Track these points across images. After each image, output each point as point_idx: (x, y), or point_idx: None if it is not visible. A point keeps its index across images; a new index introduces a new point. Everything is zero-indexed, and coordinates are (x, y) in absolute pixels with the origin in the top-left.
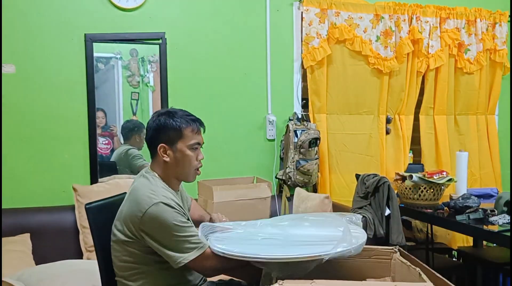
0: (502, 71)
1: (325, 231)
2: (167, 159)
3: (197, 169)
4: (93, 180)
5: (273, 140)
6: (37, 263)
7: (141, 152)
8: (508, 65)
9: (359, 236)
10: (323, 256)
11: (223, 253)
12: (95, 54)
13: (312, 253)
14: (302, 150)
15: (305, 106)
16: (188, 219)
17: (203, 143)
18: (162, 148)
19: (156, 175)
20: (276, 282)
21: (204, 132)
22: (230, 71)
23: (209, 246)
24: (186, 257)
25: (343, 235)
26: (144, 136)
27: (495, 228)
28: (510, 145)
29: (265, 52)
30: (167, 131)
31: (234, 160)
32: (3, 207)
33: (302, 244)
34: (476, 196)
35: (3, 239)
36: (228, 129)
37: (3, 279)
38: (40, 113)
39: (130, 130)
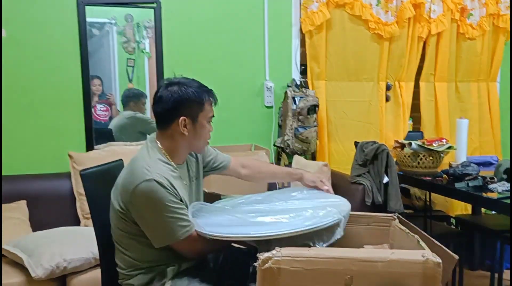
0: (505, 36)
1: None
2: (186, 133)
3: (207, 141)
4: (89, 147)
5: (271, 107)
6: (34, 230)
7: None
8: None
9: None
10: (320, 226)
11: (218, 236)
12: (88, 19)
13: (307, 226)
14: (300, 117)
15: (304, 72)
16: (180, 200)
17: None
18: (183, 121)
19: (160, 146)
20: (273, 248)
21: (215, 104)
22: (227, 36)
23: (195, 230)
24: (170, 239)
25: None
26: (144, 103)
27: (494, 196)
28: (510, 113)
29: (263, 17)
30: (190, 104)
31: (232, 127)
32: None
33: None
34: (475, 163)
35: None
36: (225, 96)
37: None
38: (33, 79)
39: (130, 97)
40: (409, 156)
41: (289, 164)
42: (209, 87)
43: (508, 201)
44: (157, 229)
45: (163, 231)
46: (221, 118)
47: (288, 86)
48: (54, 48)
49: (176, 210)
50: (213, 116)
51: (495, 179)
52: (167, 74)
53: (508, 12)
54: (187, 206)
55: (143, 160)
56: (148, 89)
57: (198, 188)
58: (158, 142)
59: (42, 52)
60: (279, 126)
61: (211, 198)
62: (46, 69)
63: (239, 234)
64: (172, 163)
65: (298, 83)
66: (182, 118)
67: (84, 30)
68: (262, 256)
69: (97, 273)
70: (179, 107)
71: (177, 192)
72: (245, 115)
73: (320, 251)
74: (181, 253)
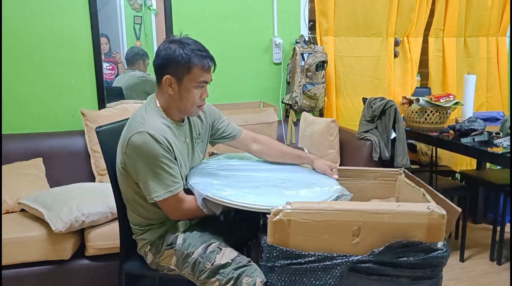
0: None
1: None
2: (171, 92)
3: (200, 106)
4: (101, 105)
5: (280, 63)
6: (51, 186)
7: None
8: None
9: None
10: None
11: (223, 201)
12: None
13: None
14: (309, 73)
15: (312, 28)
16: (175, 157)
17: (211, 81)
18: (168, 80)
19: (158, 103)
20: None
21: (214, 70)
22: None
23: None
24: (158, 195)
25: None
26: (147, 64)
27: (499, 150)
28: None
29: None
30: (176, 64)
31: (240, 84)
32: (14, 132)
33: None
34: (482, 119)
35: (17, 163)
36: (233, 52)
37: (20, 201)
38: (43, 37)
39: (134, 55)
40: (416, 112)
41: (297, 121)
42: (210, 53)
43: None
44: (145, 182)
45: (150, 186)
46: (230, 75)
47: (297, 42)
48: (63, 6)
49: (165, 166)
50: (206, 81)
51: (501, 134)
52: (176, 32)
53: None
54: (181, 164)
55: (140, 115)
56: (156, 46)
57: (201, 149)
58: (156, 99)
59: (50, 9)
60: (287, 83)
61: None
62: (55, 27)
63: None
64: (169, 119)
65: (307, 39)
66: (166, 76)
67: None
68: (273, 208)
69: (113, 226)
70: (166, 65)
71: (172, 149)
72: (254, 72)
73: (328, 204)
74: (165, 212)
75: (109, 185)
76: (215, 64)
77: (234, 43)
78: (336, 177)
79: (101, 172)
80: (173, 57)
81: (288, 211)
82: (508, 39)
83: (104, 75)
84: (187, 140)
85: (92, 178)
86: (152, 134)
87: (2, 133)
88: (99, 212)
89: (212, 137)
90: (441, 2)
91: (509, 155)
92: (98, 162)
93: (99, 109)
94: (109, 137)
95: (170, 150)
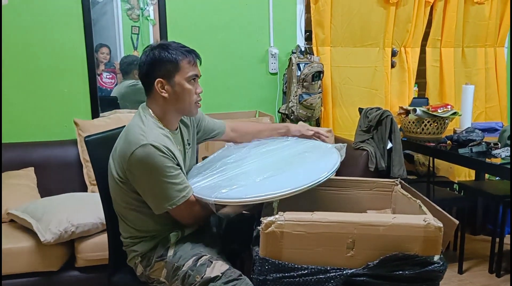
0: None
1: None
2: (166, 95)
3: (197, 103)
4: (94, 114)
5: (276, 73)
6: (42, 196)
7: None
8: None
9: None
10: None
11: (228, 201)
12: None
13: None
14: (305, 83)
15: (308, 38)
16: (177, 165)
17: (200, 75)
18: (160, 83)
19: (152, 113)
20: (277, 213)
21: (200, 64)
22: (231, 2)
23: (196, 196)
24: (171, 203)
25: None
26: None
27: (498, 161)
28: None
29: None
30: (163, 65)
31: (236, 94)
32: (6, 141)
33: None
34: (480, 129)
35: (7, 173)
36: (229, 63)
37: (9, 211)
38: (38, 47)
39: (129, 64)
40: (413, 122)
41: None
42: (202, 51)
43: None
44: (155, 194)
45: (161, 196)
46: (226, 85)
47: (293, 52)
48: (57, 16)
49: (173, 175)
50: (196, 75)
51: (499, 145)
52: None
53: None
54: (183, 170)
55: (138, 126)
56: None
57: (193, 154)
58: (149, 108)
59: (44, 19)
60: (284, 92)
61: None
62: (50, 37)
63: (249, 196)
64: (165, 128)
65: (303, 49)
66: (157, 80)
67: None
68: (265, 220)
69: (104, 237)
70: (153, 69)
71: (175, 156)
72: (250, 81)
73: (322, 215)
74: (178, 219)
75: None
76: (200, 58)
77: (230, 53)
78: (312, 132)
79: (93, 182)
80: (159, 59)
81: (281, 222)
82: (506, 50)
83: (104, 84)
84: (181, 147)
85: (84, 188)
86: (156, 146)
87: None
88: (89, 222)
89: (200, 138)
90: (439, 13)
91: (508, 166)
92: (90, 172)
93: (92, 118)
94: (98, 146)
95: (174, 158)
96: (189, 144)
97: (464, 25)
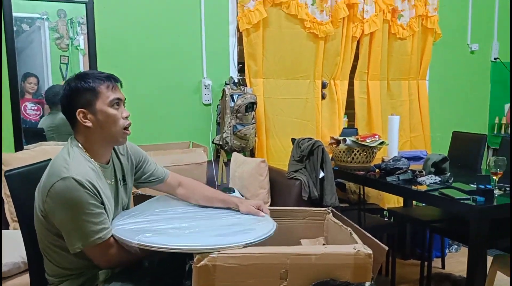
0: (433, 37)
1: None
2: (90, 124)
3: (126, 129)
4: (18, 147)
5: (209, 104)
6: None
7: None
8: (439, 32)
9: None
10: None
11: (156, 246)
12: (17, 14)
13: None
14: (238, 114)
15: (241, 70)
16: (102, 202)
17: (125, 99)
18: (81, 113)
19: (80, 145)
20: None
21: (121, 86)
22: (163, 33)
23: (112, 235)
24: (83, 243)
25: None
26: None
27: (423, 188)
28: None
29: (200, 14)
30: (82, 94)
31: (169, 125)
32: None
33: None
34: (406, 158)
35: None
36: (162, 93)
37: None
38: None
39: (54, 95)
40: (344, 152)
41: (228, 161)
42: (133, 81)
43: (436, 193)
44: (70, 231)
45: (75, 234)
46: (158, 116)
47: (226, 83)
48: None
49: (92, 213)
50: (119, 99)
51: (424, 172)
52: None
53: (436, 14)
54: (107, 208)
55: (63, 158)
56: None
57: (126, 192)
58: (77, 141)
59: None
60: (218, 123)
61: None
62: None
63: (175, 245)
64: (93, 161)
65: (236, 81)
66: (78, 110)
67: (10, 24)
68: (197, 253)
69: (26, 278)
70: (73, 101)
71: (98, 193)
72: (183, 112)
73: (255, 248)
74: (93, 261)
75: None
76: (119, 81)
77: (163, 83)
78: (263, 215)
79: (15, 218)
80: (77, 90)
81: (214, 255)
82: (427, 83)
83: (27, 116)
84: (113, 181)
85: (5, 225)
86: (77, 179)
87: None
88: (9, 262)
89: (137, 180)
90: (365, 47)
91: (433, 192)
92: (12, 207)
93: (16, 151)
94: (20, 181)
95: (97, 195)
96: (123, 180)
97: (388, 59)
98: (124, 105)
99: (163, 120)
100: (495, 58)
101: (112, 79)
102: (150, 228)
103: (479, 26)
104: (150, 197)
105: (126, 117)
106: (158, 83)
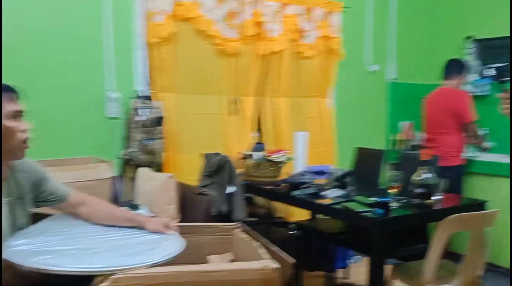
0: (337, 57)
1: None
2: None
3: (24, 142)
4: None
5: (115, 118)
6: None
7: None
8: (342, 52)
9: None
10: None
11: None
12: None
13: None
14: (145, 129)
15: (150, 84)
16: None
17: (24, 111)
18: None
19: None
20: None
21: (19, 98)
22: (64, 43)
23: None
24: None
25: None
26: None
27: (327, 202)
28: None
29: (105, 26)
30: None
31: (70, 139)
32: None
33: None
34: (312, 172)
35: None
36: (62, 107)
37: None
38: None
39: None
40: (252, 167)
41: (133, 177)
42: (30, 93)
43: (339, 206)
44: None
45: None
46: (58, 130)
47: (133, 97)
48: None
49: None
50: (18, 111)
51: (328, 186)
52: None
53: (338, 35)
54: (3, 228)
55: None
56: None
57: (22, 212)
58: None
59: None
60: (124, 138)
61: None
62: None
63: (75, 267)
64: None
65: (144, 94)
66: None
67: None
68: (100, 275)
69: None
70: None
71: None
72: (86, 126)
73: (161, 267)
74: None
75: None
76: (17, 92)
77: (63, 96)
78: (171, 232)
79: None
80: None
81: (118, 276)
82: (332, 101)
83: None
84: (9, 199)
85: None
86: None
87: None
88: None
89: (36, 199)
90: (273, 65)
91: (335, 206)
92: None
93: None
94: None
95: None
96: (20, 198)
97: (295, 77)
98: (22, 117)
99: (64, 134)
100: (394, 79)
101: (10, 91)
102: (48, 249)
103: (379, 48)
104: (49, 216)
105: (25, 131)
106: (58, 96)
